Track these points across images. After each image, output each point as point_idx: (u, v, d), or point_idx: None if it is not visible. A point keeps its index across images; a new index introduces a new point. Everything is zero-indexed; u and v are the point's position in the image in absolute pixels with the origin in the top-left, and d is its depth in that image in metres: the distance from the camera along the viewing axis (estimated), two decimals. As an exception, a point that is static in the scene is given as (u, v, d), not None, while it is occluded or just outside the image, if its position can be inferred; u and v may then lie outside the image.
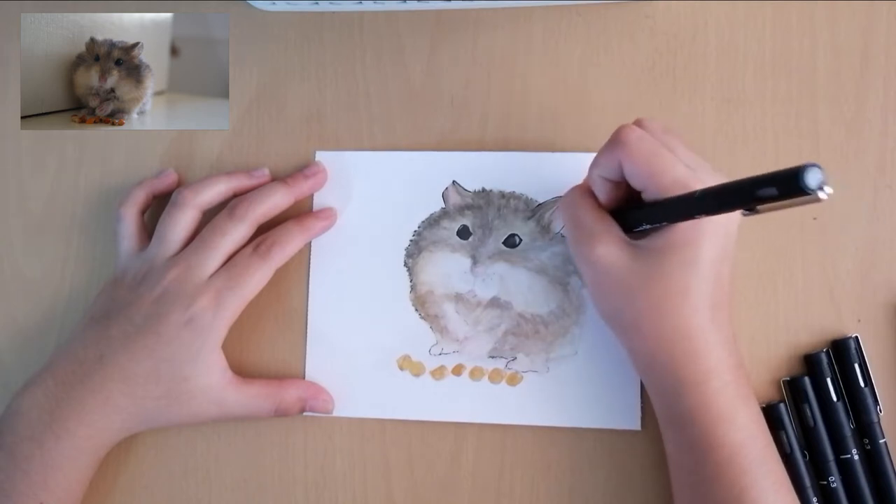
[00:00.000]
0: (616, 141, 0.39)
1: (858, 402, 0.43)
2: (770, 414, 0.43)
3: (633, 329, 0.40)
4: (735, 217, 0.39)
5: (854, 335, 0.44)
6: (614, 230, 0.40)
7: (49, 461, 0.42)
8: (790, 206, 0.30)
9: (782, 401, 0.43)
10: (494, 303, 0.46)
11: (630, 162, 0.39)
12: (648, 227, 0.39)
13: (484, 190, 0.47)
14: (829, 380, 0.43)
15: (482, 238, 0.47)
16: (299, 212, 0.48)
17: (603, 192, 0.41)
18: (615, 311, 0.41)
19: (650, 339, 0.39)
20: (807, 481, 0.43)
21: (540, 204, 0.46)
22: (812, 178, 0.28)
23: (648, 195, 0.39)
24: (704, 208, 0.35)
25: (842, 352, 0.43)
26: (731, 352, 0.39)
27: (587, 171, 0.42)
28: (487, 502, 0.45)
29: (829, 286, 0.45)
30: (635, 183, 0.39)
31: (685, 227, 0.38)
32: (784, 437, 0.43)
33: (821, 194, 0.28)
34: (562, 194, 0.46)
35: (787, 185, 0.29)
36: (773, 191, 0.30)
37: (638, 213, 0.40)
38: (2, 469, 0.42)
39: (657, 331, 0.39)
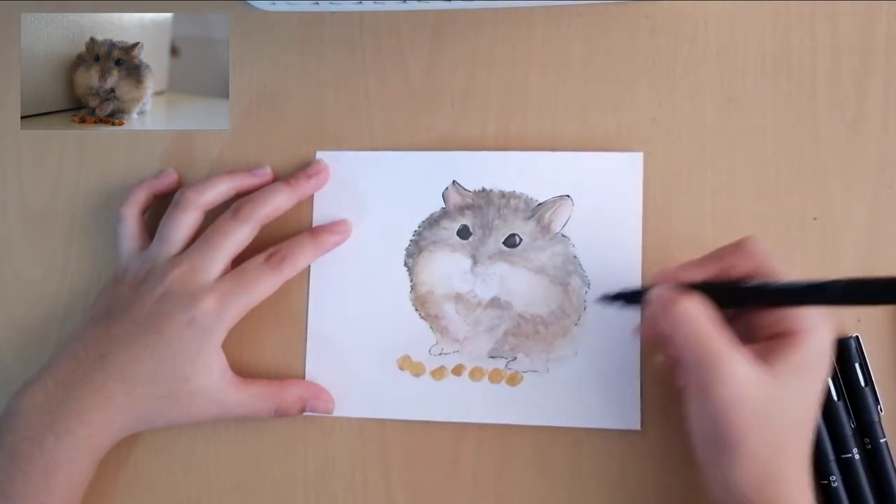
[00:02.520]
0: (745, 249, 0.39)
1: (859, 401, 0.43)
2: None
3: (742, 459, 0.36)
4: (831, 345, 0.39)
5: (854, 335, 0.43)
6: (743, 350, 0.37)
7: (49, 461, 0.42)
8: None
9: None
10: (494, 303, 0.46)
11: (757, 271, 0.38)
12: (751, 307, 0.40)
13: (484, 190, 0.47)
14: (829, 379, 0.43)
15: (482, 238, 0.47)
16: (301, 211, 0.48)
17: (700, 278, 0.40)
18: (726, 437, 0.37)
19: (758, 472, 0.36)
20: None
21: (540, 203, 0.46)
22: None
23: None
24: (838, 297, 0.35)
25: (842, 351, 0.43)
26: (812, 494, 0.38)
27: (682, 268, 0.41)
28: (487, 502, 0.45)
29: (829, 286, 0.45)
30: None
31: (809, 353, 0.37)
32: None
33: None
34: (563, 193, 0.46)
35: None
36: None
37: (750, 291, 0.38)
38: (1, 469, 0.42)
39: (767, 465, 0.36)
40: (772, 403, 0.37)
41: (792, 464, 0.37)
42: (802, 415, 0.38)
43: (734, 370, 0.37)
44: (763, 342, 0.39)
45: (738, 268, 0.39)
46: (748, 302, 0.39)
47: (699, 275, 0.40)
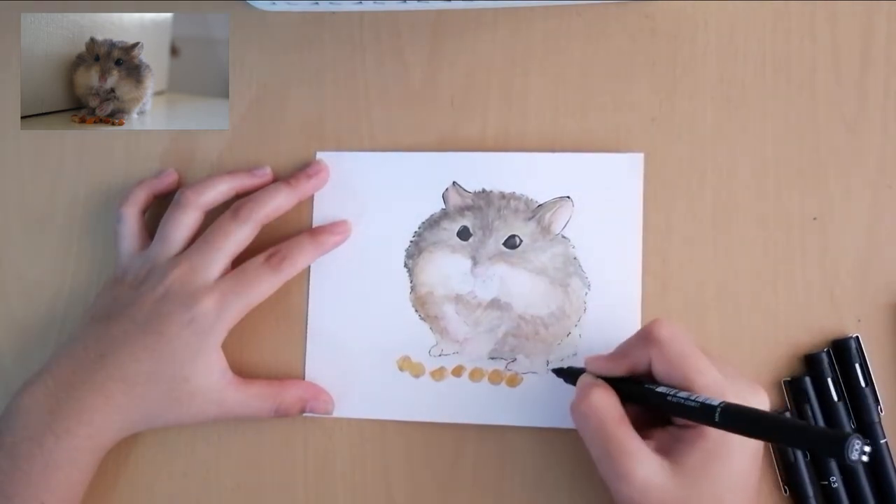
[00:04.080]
0: (649, 338, 0.39)
1: (859, 401, 0.43)
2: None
3: None
4: None
5: (855, 335, 0.43)
6: (644, 446, 0.38)
7: (49, 461, 0.42)
8: None
9: (787, 409, 0.43)
10: (494, 304, 0.46)
11: (664, 361, 0.38)
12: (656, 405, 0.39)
13: (484, 191, 0.47)
14: (829, 380, 0.43)
15: (482, 239, 0.46)
16: (301, 211, 0.48)
17: (614, 374, 0.41)
18: None
19: None
20: (808, 487, 0.43)
21: (540, 205, 0.46)
22: (854, 452, 0.29)
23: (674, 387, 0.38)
24: (725, 425, 0.35)
25: (842, 352, 0.43)
26: None
27: (597, 361, 0.41)
28: (487, 503, 0.45)
29: (829, 286, 0.45)
30: (664, 380, 0.39)
31: (717, 440, 0.37)
32: None
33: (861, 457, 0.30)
34: (563, 194, 0.46)
35: (826, 451, 0.31)
36: (805, 448, 0.34)
37: (654, 396, 0.39)
38: (1, 469, 0.42)
39: None
40: (679, 494, 0.37)
41: None
42: (717, 500, 0.37)
43: (638, 469, 0.37)
44: (673, 429, 0.39)
45: (645, 361, 0.39)
46: (653, 405, 0.39)
47: (617, 369, 0.41)
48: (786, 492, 0.43)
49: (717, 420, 0.35)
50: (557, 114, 0.47)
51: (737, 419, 0.35)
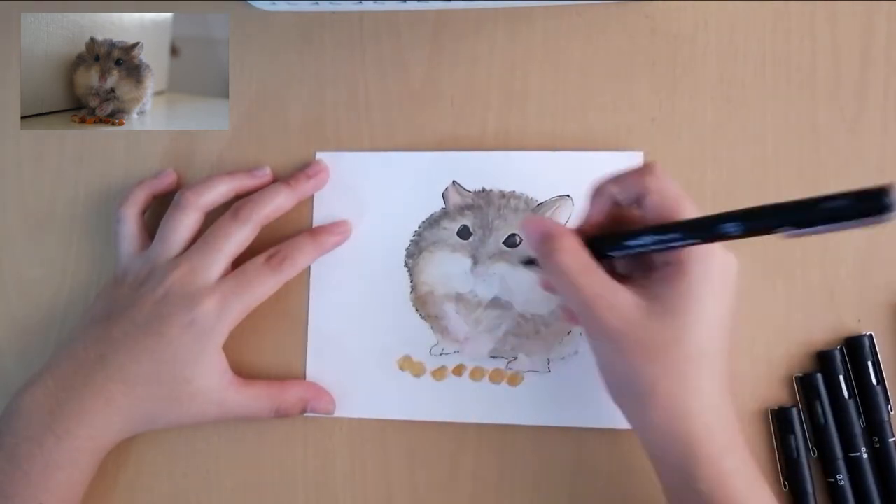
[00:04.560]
0: (649, 170, 0.38)
1: (870, 399, 0.43)
2: (782, 417, 0.43)
3: (648, 398, 0.36)
4: (735, 273, 0.38)
5: (868, 333, 0.43)
6: (620, 288, 0.37)
7: (49, 461, 0.42)
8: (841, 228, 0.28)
9: (795, 405, 0.43)
10: (495, 303, 0.46)
11: (660, 192, 0.37)
12: (643, 251, 0.37)
13: (484, 190, 0.47)
14: (841, 377, 0.43)
15: (483, 238, 0.46)
16: (301, 211, 0.48)
17: (598, 214, 0.40)
18: (628, 377, 0.37)
19: (667, 408, 0.36)
20: (808, 484, 0.43)
21: (540, 204, 0.46)
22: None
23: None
24: (747, 229, 0.33)
25: (855, 349, 0.43)
26: (738, 429, 0.37)
27: (586, 197, 0.40)
28: (487, 502, 0.45)
29: (829, 286, 0.45)
30: (652, 214, 0.37)
31: (697, 279, 0.36)
32: (793, 440, 0.43)
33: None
34: (563, 193, 0.46)
35: (867, 204, 0.27)
36: (843, 205, 0.28)
37: (642, 235, 0.37)
38: (1, 470, 0.42)
39: (674, 399, 0.36)
40: (657, 337, 0.36)
41: (695, 398, 0.36)
42: (700, 348, 0.36)
43: (612, 314, 0.36)
44: (648, 276, 0.38)
45: (631, 193, 0.38)
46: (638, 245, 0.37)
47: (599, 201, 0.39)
48: (785, 487, 0.43)
49: (740, 223, 0.32)
50: (557, 114, 0.48)
51: (757, 215, 0.32)
